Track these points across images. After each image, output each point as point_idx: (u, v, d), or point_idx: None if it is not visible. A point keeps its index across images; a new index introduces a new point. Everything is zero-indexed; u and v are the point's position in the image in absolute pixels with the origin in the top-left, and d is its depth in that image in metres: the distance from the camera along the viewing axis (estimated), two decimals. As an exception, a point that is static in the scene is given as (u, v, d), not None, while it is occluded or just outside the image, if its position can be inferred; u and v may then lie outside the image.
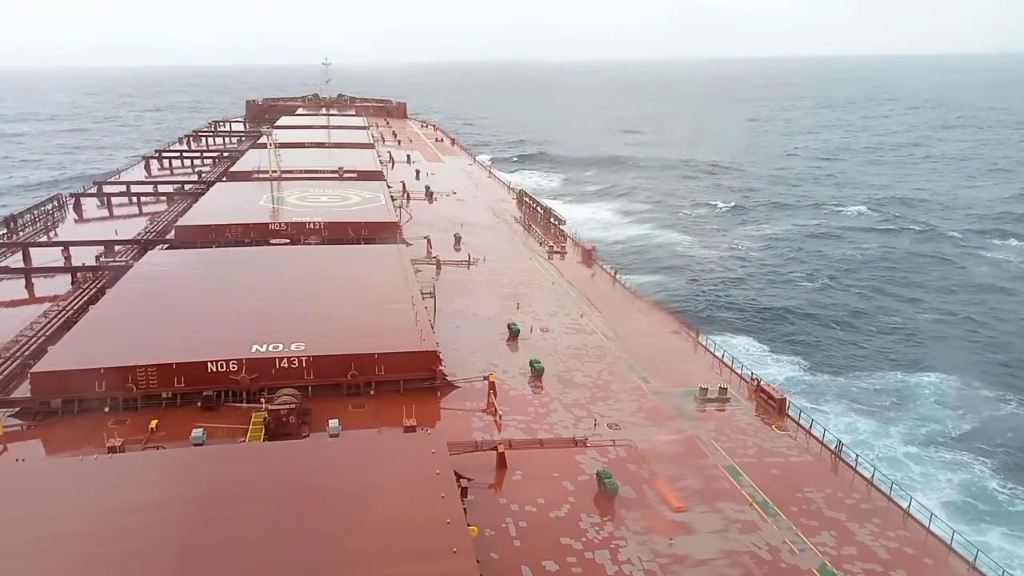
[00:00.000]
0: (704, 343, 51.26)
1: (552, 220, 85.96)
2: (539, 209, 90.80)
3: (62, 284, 57.39)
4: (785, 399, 41.69)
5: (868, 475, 34.95)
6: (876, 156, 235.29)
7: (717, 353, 49.48)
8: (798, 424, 39.98)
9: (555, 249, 76.00)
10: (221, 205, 78.01)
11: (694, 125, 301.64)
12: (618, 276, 67.19)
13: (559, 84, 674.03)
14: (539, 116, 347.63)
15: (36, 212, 79.26)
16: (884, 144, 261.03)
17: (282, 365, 39.90)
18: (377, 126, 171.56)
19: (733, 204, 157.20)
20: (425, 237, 72.67)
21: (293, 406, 36.51)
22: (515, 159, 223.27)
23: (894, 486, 34.11)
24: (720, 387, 43.10)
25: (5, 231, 72.74)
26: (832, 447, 37.50)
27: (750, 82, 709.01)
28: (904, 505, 32.66)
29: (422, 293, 51.29)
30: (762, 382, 43.71)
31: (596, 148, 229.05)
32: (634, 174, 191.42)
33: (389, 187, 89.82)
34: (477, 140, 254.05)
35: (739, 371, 46.50)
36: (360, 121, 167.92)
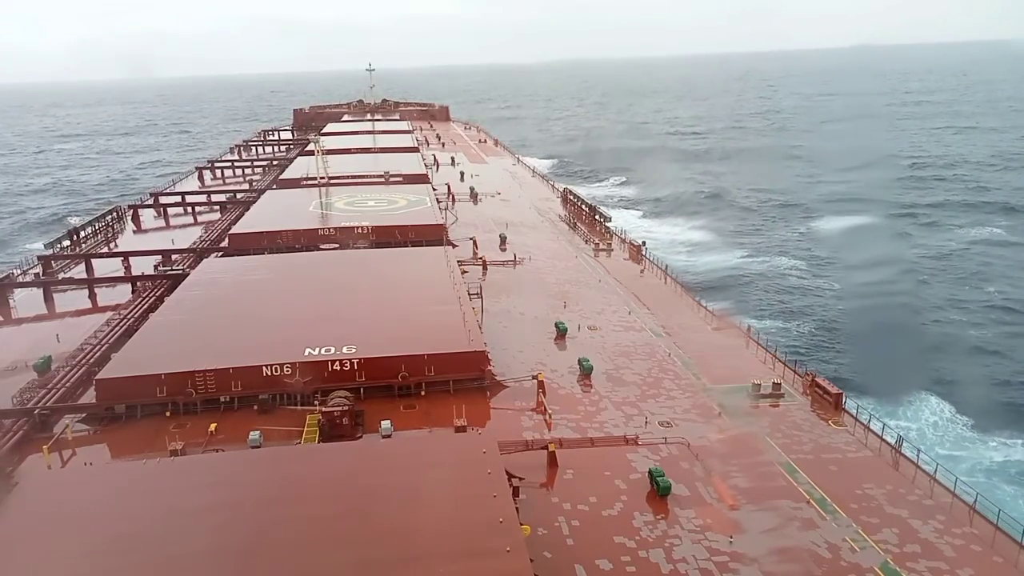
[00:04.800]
0: (755, 338, 50.37)
1: (597, 217, 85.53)
2: (584, 207, 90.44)
3: (123, 293, 59.57)
4: (842, 394, 40.70)
5: (931, 471, 33.87)
6: None
7: (769, 348, 48.56)
8: (856, 419, 38.97)
9: (601, 247, 75.65)
10: (272, 212, 79.84)
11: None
12: (669, 271, 66.38)
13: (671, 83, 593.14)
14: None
15: (97, 224, 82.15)
16: None
17: (334, 368, 40.61)
18: (421, 129, 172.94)
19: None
20: (471, 238, 73.08)
21: (346, 408, 37.12)
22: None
23: (959, 481, 32.98)
24: (774, 382, 42.29)
25: (69, 243, 75.67)
26: (892, 442, 36.47)
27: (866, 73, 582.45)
28: (970, 501, 31.58)
29: (469, 293, 51.58)
30: (817, 376, 42.75)
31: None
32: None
33: (434, 189, 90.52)
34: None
35: (792, 366, 45.55)
36: (404, 125, 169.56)
